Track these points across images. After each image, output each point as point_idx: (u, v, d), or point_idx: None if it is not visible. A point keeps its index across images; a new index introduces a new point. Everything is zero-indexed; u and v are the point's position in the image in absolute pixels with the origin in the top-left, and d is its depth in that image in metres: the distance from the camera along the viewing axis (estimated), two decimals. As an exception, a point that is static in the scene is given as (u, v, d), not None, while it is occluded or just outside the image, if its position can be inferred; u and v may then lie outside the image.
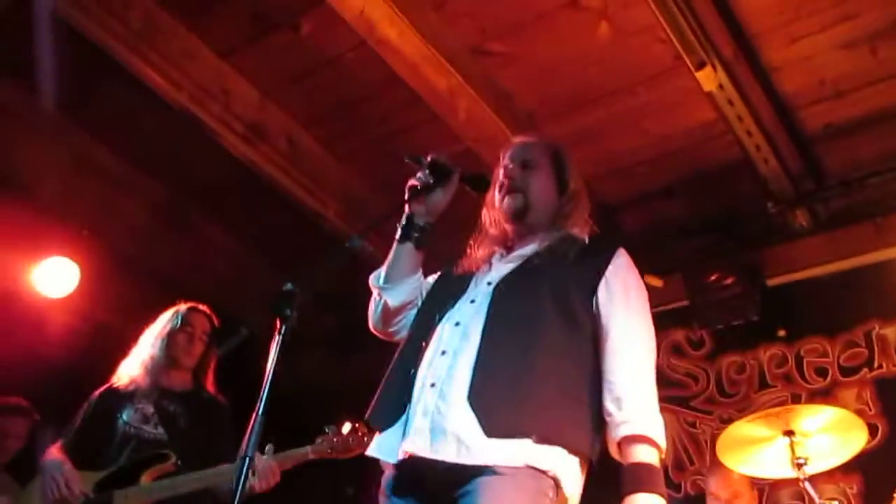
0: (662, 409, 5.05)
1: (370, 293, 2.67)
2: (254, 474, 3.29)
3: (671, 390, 5.15)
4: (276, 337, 2.09)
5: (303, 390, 5.94)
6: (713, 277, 4.80)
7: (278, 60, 4.51)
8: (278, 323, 2.10)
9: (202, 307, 3.97)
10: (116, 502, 3.42)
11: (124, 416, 3.62)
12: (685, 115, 4.60)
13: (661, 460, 2.13)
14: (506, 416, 2.07)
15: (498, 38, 4.24)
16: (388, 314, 2.57)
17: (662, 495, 2.04)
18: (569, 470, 2.09)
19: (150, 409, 3.66)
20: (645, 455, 2.08)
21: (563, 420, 2.12)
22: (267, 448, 3.45)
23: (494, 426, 2.05)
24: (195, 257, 5.75)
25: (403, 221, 2.55)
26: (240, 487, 1.88)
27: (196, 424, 3.70)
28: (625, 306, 2.28)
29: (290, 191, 5.02)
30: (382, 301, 2.56)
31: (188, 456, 3.55)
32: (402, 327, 2.57)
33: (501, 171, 2.57)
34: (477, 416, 2.06)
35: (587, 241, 2.50)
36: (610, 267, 2.34)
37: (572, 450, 2.10)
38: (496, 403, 2.09)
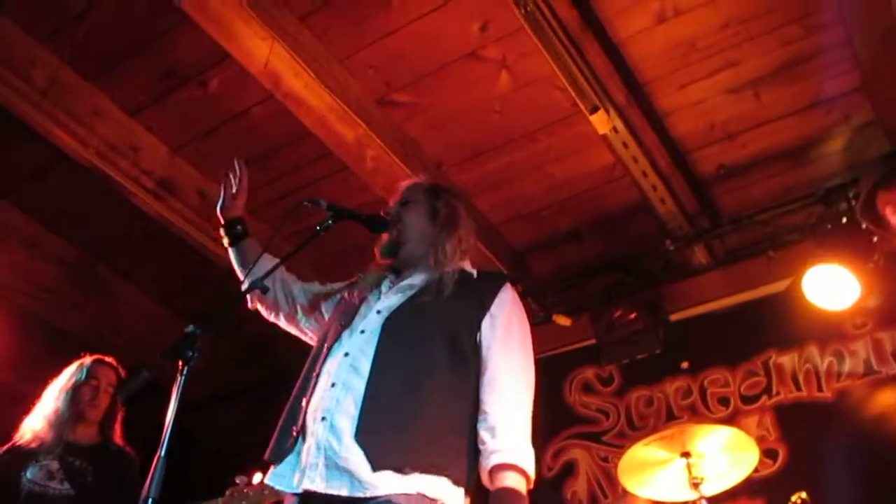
0: (576, 446, 5.18)
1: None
2: None
3: (584, 427, 5.29)
4: (178, 378, 2.11)
5: (226, 442, 5.88)
6: (617, 314, 4.96)
7: (187, 116, 4.55)
8: (180, 365, 2.13)
9: (108, 359, 3.94)
10: (21, 561, 3.35)
11: (28, 474, 3.55)
12: (586, 159, 4.76)
13: (528, 489, 2.21)
14: (393, 451, 2.14)
15: (402, 89, 4.35)
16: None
17: None
18: (455, 500, 2.17)
19: (55, 465, 3.60)
20: (512, 481, 2.17)
21: (447, 453, 2.20)
22: None
23: (382, 461, 2.12)
24: (105, 315, 5.69)
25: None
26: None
27: (103, 478, 3.64)
28: (505, 340, 2.39)
29: (202, 245, 5.02)
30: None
31: (95, 511, 3.50)
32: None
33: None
34: (365, 451, 2.13)
35: (475, 275, 2.61)
36: (496, 301, 2.45)
37: (455, 481, 2.18)
38: (384, 439, 2.15)
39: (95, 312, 5.70)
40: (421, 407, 2.21)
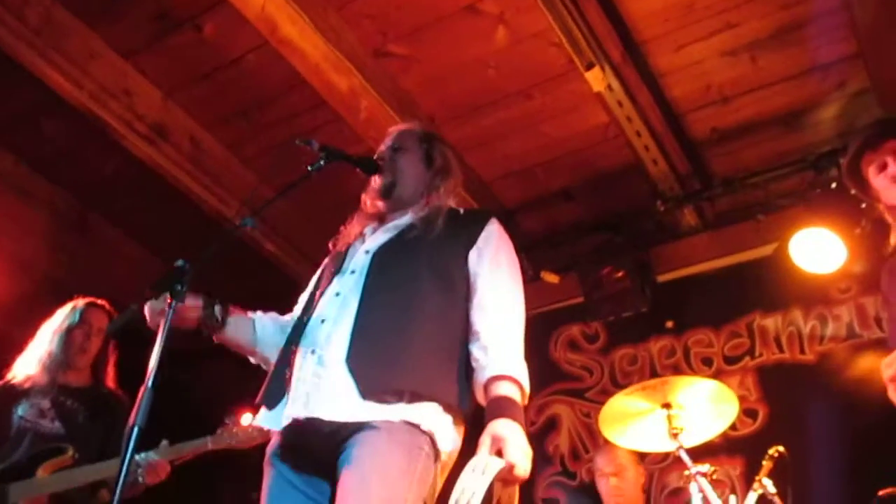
0: (560, 402, 5.24)
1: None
2: (139, 467, 3.33)
3: (568, 383, 5.38)
4: (168, 311, 2.12)
5: (208, 396, 5.91)
6: (605, 272, 5.01)
7: (181, 61, 4.51)
8: (169, 298, 2.14)
9: (100, 302, 3.94)
10: (12, 496, 3.36)
11: (19, 411, 3.57)
12: (580, 118, 4.75)
13: (524, 401, 2.24)
14: (382, 377, 2.17)
15: (399, 40, 4.32)
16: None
17: (521, 424, 2.14)
18: (443, 426, 2.20)
19: (46, 404, 3.62)
20: (506, 390, 2.20)
21: (435, 379, 2.23)
22: (161, 444, 3.45)
23: (370, 387, 2.15)
24: (95, 261, 5.67)
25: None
26: (127, 457, 1.90)
27: (94, 420, 3.66)
28: (493, 267, 2.43)
29: (193, 192, 5.01)
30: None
31: (86, 451, 3.52)
32: None
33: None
34: (354, 377, 2.16)
35: (462, 212, 2.65)
36: (482, 234, 2.49)
37: (445, 406, 2.21)
38: (373, 366, 2.18)
39: (84, 258, 5.68)
40: (410, 335, 2.24)
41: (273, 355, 2.53)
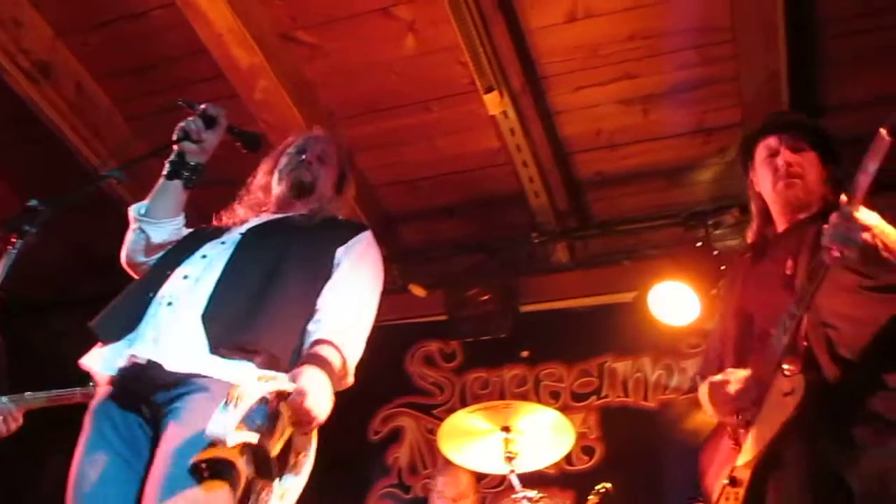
0: (406, 415, 5.25)
1: None
2: None
3: (417, 397, 5.42)
4: (10, 250, 2.04)
5: (59, 348, 5.69)
6: (472, 292, 5.08)
7: (81, 3, 4.32)
8: (14, 238, 2.05)
9: None
10: None
11: None
12: (474, 139, 4.81)
13: (342, 370, 2.27)
14: (234, 337, 2.19)
15: (309, 28, 4.29)
16: (148, 249, 2.59)
17: (329, 375, 2.16)
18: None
19: None
20: (325, 351, 2.23)
21: (287, 350, 2.26)
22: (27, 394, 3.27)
23: (221, 344, 2.16)
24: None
25: (174, 158, 2.58)
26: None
27: None
28: (354, 261, 2.50)
29: (69, 139, 4.79)
30: (145, 235, 2.57)
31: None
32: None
33: (299, 154, 2.79)
34: (206, 331, 2.17)
35: (340, 218, 2.76)
36: (354, 238, 2.57)
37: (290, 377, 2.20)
38: (227, 325, 2.20)
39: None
40: (266, 305, 2.27)
41: (145, 248, 2.55)
